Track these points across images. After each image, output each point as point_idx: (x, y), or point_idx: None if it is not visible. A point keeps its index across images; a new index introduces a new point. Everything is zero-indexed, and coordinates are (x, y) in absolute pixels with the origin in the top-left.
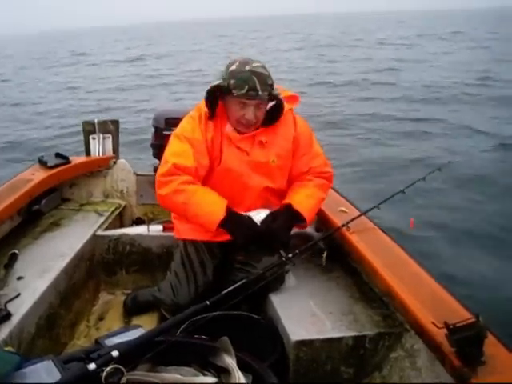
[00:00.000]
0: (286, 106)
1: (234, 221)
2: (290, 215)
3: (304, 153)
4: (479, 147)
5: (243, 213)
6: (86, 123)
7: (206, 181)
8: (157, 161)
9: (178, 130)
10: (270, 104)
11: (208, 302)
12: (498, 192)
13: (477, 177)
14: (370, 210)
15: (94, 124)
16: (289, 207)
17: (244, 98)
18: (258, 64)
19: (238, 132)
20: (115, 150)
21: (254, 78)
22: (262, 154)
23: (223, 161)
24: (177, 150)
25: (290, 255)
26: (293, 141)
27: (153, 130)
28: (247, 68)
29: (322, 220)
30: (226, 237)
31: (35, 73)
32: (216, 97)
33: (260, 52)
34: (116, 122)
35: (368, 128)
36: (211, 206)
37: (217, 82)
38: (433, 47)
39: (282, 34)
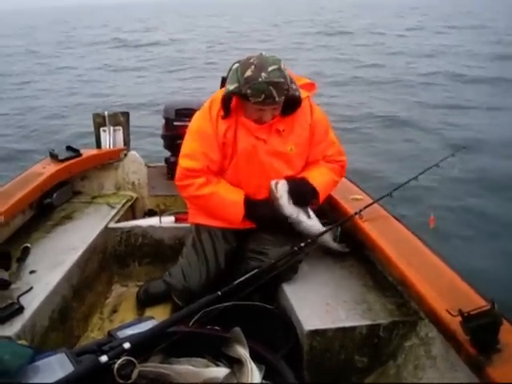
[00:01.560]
0: (303, 93)
1: (254, 213)
2: (306, 186)
3: (320, 140)
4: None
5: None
6: (96, 115)
7: (226, 170)
8: (168, 152)
9: (191, 124)
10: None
11: (220, 293)
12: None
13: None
14: (383, 197)
15: (104, 116)
16: (304, 179)
17: (261, 105)
18: (274, 67)
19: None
20: (126, 141)
21: (271, 88)
22: (280, 142)
23: (240, 147)
24: (186, 151)
25: (302, 244)
26: (309, 128)
27: (163, 121)
28: (263, 76)
29: (334, 208)
30: (240, 225)
31: None
32: (228, 97)
33: None
34: (126, 114)
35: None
36: (230, 207)
37: (232, 88)
38: None
39: None
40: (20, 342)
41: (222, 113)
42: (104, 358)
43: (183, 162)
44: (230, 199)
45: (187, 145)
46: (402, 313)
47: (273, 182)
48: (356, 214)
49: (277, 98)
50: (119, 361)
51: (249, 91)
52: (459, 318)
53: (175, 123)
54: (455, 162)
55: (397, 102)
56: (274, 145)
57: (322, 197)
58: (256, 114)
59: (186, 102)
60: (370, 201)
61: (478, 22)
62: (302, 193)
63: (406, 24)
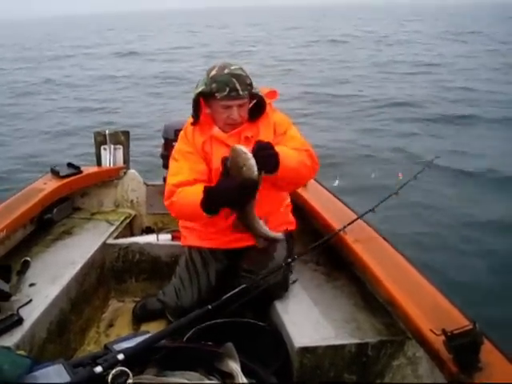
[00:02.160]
0: (266, 100)
1: (213, 196)
2: (268, 148)
3: (279, 140)
4: None
5: None
6: (97, 134)
7: (210, 183)
8: (166, 171)
9: (173, 151)
10: (252, 102)
11: (210, 307)
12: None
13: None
14: (366, 213)
15: (105, 135)
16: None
17: (226, 99)
18: (236, 66)
19: (225, 131)
20: (126, 160)
21: (234, 80)
22: (249, 148)
23: (214, 161)
24: (173, 170)
25: (289, 260)
26: (272, 131)
27: (163, 141)
28: (226, 71)
29: (320, 224)
30: (231, 245)
31: None
32: (200, 104)
33: None
34: (127, 133)
35: None
36: (190, 198)
37: (200, 89)
38: None
39: None
40: (19, 352)
41: (192, 120)
42: (98, 369)
43: (171, 179)
44: (192, 192)
45: (171, 166)
46: (391, 332)
47: (237, 146)
48: (340, 230)
49: (240, 92)
50: (113, 371)
51: (214, 85)
52: (442, 338)
53: (174, 143)
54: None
55: None
56: None
57: (283, 166)
58: (224, 114)
59: (185, 122)
60: (354, 216)
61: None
62: (267, 154)
63: None
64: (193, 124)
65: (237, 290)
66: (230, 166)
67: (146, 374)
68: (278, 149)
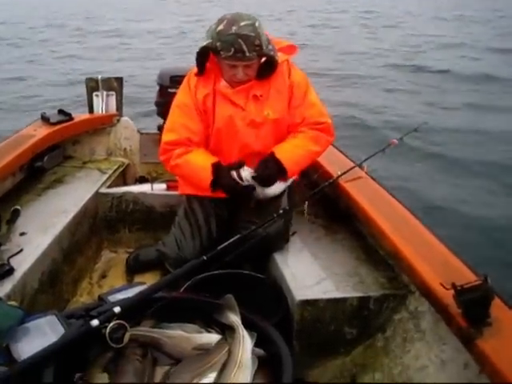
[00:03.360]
0: (282, 56)
1: (221, 180)
2: (272, 164)
3: (298, 104)
4: None
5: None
6: (89, 80)
7: (208, 141)
8: (161, 119)
9: (174, 99)
10: (264, 59)
11: (205, 257)
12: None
13: None
14: (365, 160)
15: (97, 81)
16: (272, 155)
17: (231, 59)
18: (247, 22)
19: (232, 86)
20: (119, 107)
21: (240, 41)
22: (257, 108)
23: (217, 117)
24: (168, 125)
25: (281, 211)
26: (287, 92)
27: (157, 87)
28: (234, 29)
29: (319, 174)
30: (210, 193)
31: None
32: (207, 54)
33: None
34: (120, 79)
35: None
36: (199, 172)
37: (205, 43)
38: None
39: None
40: (10, 302)
41: (197, 71)
42: (95, 322)
43: (164, 137)
44: (199, 165)
45: (168, 119)
46: (393, 286)
47: (234, 173)
48: (338, 177)
49: (247, 53)
50: (110, 324)
51: (218, 44)
52: (451, 292)
53: (169, 90)
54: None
55: None
56: (252, 112)
57: (291, 172)
58: (229, 72)
59: (181, 68)
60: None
61: None
62: (267, 176)
63: None
64: (197, 75)
65: (232, 239)
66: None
67: (142, 326)
68: (283, 156)
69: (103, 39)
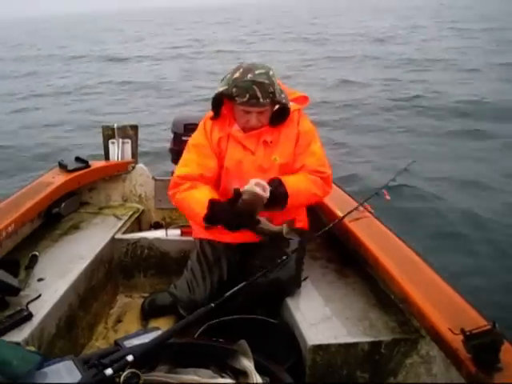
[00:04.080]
0: (294, 106)
1: (215, 214)
2: (278, 187)
3: (301, 151)
4: None
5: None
6: (105, 128)
7: (218, 181)
8: (175, 166)
9: (189, 140)
10: (276, 107)
11: (213, 305)
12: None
13: None
14: (366, 201)
15: (113, 129)
16: (277, 180)
17: (245, 105)
18: (262, 71)
19: (244, 131)
20: (134, 154)
21: (255, 87)
22: (266, 153)
23: (227, 159)
24: (182, 161)
25: (284, 258)
26: (295, 139)
27: (172, 135)
28: (249, 76)
29: (325, 214)
30: (243, 239)
31: None
32: (222, 99)
33: None
34: (135, 127)
35: None
36: (195, 207)
37: (221, 89)
38: None
39: None
40: (28, 347)
41: (212, 115)
42: (109, 371)
43: (177, 171)
44: (197, 199)
45: (183, 157)
46: (404, 330)
47: (253, 184)
48: (344, 217)
49: (261, 100)
50: (124, 373)
51: (234, 90)
52: (461, 337)
53: (183, 138)
54: None
55: None
56: (260, 157)
57: (291, 201)
58: (243, 118)
59: (195, 117)
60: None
61: None
62: (276, 195)
63: None
64: (212, 119)
65: (238, 286)
66: (244, 199)
67: (157, 371)
68: (287, 184)
69: None
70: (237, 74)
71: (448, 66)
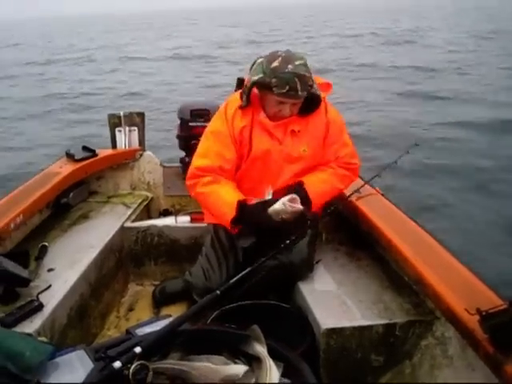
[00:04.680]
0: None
1: (245, 218)
2: (304, 194)
3: (333, 141)
4: None
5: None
6: (111, 116)
7: (239, 170)
8: (183, 152)
9: (207, 126)
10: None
11: (218, 292)
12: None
13: None
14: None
15: (119, 117)
16: (300, 185)
17: (283, 96)
18: (301, 62)
19: (271, 119)
20: (141, 142)
21: (296, 80)
22: (294, 143)
23: (254, 148)
24: (200, 150)
25: (288, 241)
26: (324, 129)
27: (178, 121)
28: (290, 67)
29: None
30: (230, 228)
31: None
32: (251, 87)
33: None
34: (142, 115)
35: None
36: (223, 207)
37: (257, 77)
38: None
39: None
40: (40, 338)
41: (240, 104)
42: (117, 364)
43: (195, 161)
44: (225, 199)
45: (201, 145)
46: (418, 312)
47: (286, 202)
48: (350, 196)
49: (299, 92)
50: (133, 366)
51: (274, 80)
52: (477, 317)
53: (190, 124)
54: None
55: None
56: (288, 146)
57: (315, 206)
58: (276, 107)
59: (201, 102)
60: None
61: None
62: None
63: None
64: (242, 108)
65: (243, 272)
66: (273, 210)
67: (169, 358)
68: (310, 189)
69: None
70: (276, 63)
71: None
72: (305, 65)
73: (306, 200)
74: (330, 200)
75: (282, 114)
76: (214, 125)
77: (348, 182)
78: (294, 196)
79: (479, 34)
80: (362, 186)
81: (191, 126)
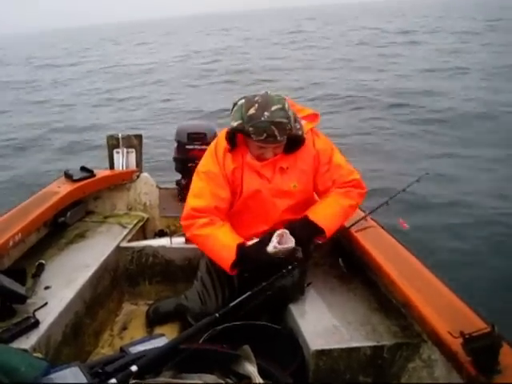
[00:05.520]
0: (306, 125)
1: (244, 258)
2: (306, 226)
3: (326, 169)
4: None
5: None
6: (110, 137)
7: (232, 207)
8: (179, 174)
9: (199, 165)
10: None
11: (217, 315)
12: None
13: None
14: (372, 212)
15: (118, 138)
16: (305, 218)
17: (262, 143)
18: (278, 106)
19: (259, 160)
20: (138, 163)
21: (273, 127)
22: (284, 180)
23: (245, 189)
24: (195, 190)
25: (290, 267)
26: (313, 160)
27: (175, 144)
28: (266, 115)
29: None
30: (231, 271)
31: None
32: (238, 132)
33: None
34: (139, 137)
35: None
36: (222, 251)
37: (236, 124)
38: None
39: None
40: (35, 354)
41: (228, 147)
42: (113, 381)
43: (190, 201)
44: (223, 243)
45: (195, 185)
46: (406, 335)
47: (276, 245)
48: (349, 228)
49: (278, 137)
50: None
51: (251, 129)
52: (460, 340)
53: (187, 146)
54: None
55: None
56: (278, 184)
57: (329, 230)
58: (258, 151)
59: (198, 125)
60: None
61: None
62: (301, 238)
63: None
64: (230, 151)
65: (242, 297)
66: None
67: (162, 376)
68: (316, 217)
69: None
70: (252, 111)
71: None
72: (282, 109)
73: (317, 231)
74: (345, 220)
75: (264, 156)
76: (206, 165)
77: (355, 196)
78: (280, 232)
79: None
80: (363, 218)
81: (188, 149)
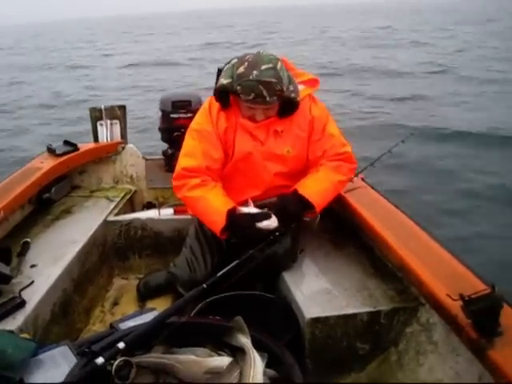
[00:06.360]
0: (304, 91)
1: (234, 227)
2: (298, 202)
3: (318, 137)
4: None
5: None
6: (92, 109)
7: (224, 168)
8: (165, 144)
9: (191, 123)
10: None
11: (205, 285)
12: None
13: None
14: (361, 172)
15: (101, 110)
16: (296, 193)
17: (251, 103)
18: (268, 66)
19: (252, 121)
20: (123, 135)
21: (261, 87)
22: (277, 144)
23: (237, 150)
24: (187, 149)
25: (277, 233)
26: (308, 127)
27: (160, 113)
28: (254, 74)
29: None
30: (221, 236)
31: None
32: (227, 90)
33: None
34: (123, 108)
35: None
36: (213, 215)
37: (225, 82)
38: None
39: None
40: (23, 335)
41: (220, 107)
42: (100, 360)
43: (182, 161)
44: (214, 207)
45: (187, 143)
46: (403, 299)
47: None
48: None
49: (267, 98)
50: (116, 362)
51: (238, 88)
52: (460, 303)
53: (172, 115)
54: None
55: None
56: (271, 147)
57: (319, 206)
58: (248, 112)
59: (183, 94)
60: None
61: None
62: (288, 214)
63: None
64: (223, 109)
65: (230, 266)
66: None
67: (153, 351)
68: (306, 192)
69: None
70: (241, 69)
71: None
72: (273, 68)
73: (307, 206)
74: (336, 195)
75: (255, 118)
76: (199, 123)
77: (346, 171)
78: (265, 212)
79: None
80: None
81: (173, 118)
